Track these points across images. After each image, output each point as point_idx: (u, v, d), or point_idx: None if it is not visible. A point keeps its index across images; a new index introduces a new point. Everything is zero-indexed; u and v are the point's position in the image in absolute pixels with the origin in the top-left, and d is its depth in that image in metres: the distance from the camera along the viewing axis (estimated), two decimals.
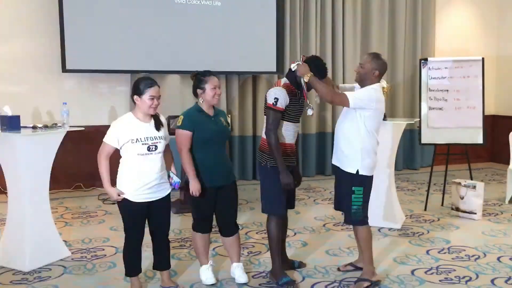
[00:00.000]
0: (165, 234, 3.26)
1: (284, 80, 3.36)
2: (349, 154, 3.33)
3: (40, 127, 3.80)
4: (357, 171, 3.31)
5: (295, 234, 4.56)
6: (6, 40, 5.92)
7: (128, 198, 3.04)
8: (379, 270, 3.60)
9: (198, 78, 3.29)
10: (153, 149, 3.04)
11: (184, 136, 3.23)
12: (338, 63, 7.36)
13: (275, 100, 3.24)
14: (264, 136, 3.36)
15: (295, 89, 3.34)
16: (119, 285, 3.43)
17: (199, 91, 3.28)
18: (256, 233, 4.56)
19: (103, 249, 4.14)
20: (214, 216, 3.42)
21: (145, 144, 3.02)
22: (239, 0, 6.67)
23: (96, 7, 6.02)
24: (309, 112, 3.43)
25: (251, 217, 5.03)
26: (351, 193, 3.33)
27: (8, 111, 3.71)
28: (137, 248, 3.16)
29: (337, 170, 3.49)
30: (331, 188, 6.48)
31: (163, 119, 3.20)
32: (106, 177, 3.02)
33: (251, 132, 7.04)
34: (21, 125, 3.70)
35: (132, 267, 3.19)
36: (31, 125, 3.79)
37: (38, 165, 3.72)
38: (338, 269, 3.69)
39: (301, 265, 3.75)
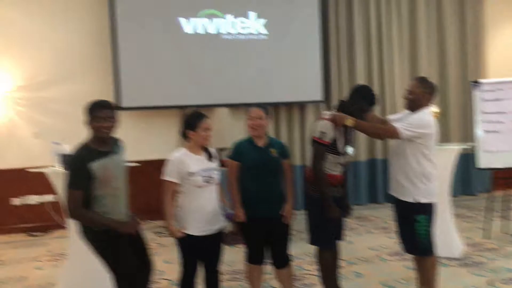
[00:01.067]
0: (217, 266, 3.30)
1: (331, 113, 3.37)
2: (406, 183, 3.28)
3: None
4: (417, 199, 3.26)
5: (349, 264, 4.46)
6: (66, 82, 6.31)
7: (188, 233, 3.10)
8: None
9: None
10: (210, 181, 3.12)
11: (230, 165, 3.33)
12: (386, 88, 7.30)
13: (322, 134, 3.26)
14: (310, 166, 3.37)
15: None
16: None
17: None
18: (309, 264, 4.51)
19: (159, 282, 4.20)
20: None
21: (202, 176, 3.09)
22: (284, 31, 6.80)
23: (148, 47, 6.31)
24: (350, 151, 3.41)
25: (302, 248, 4.96)
26: (414, 222, 3.26)
27: (67, 150, 3.90)
28: (192, 280, 3.20)
29: (395, 201, 3.43)
30: (384, 216, 6.34)
31: (213, 150, 3.29)
32: (171, 216, 3.09)
33: (299, 161, 7.04)
34: None
35: None
36: None
37: None
38: None
39: None
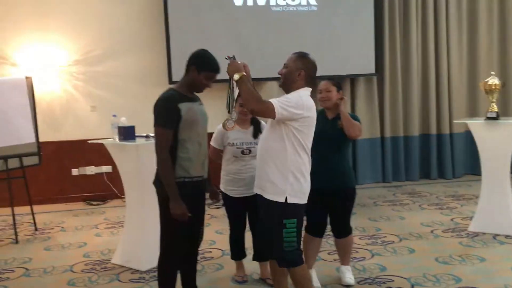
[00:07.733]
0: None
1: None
2: (275, 179, 2.69)
3: (152, 136, 4.05)
4: (286, 199, 2.67)
5: (400, 240, 4.41)
6: (120, 57, 6.45)
7: (227, 194, 3.45)
8: (495, 280, 3.36)
9: None
10: (247, 152, 3.37)
11: None
12: (442, 62, 7.02)
13: None
14: None
15: None
16: (226, 286, 3.57)
17: None
18: (359, 238, 4.48)
19: (211, 251, 4.31)
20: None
21: (239, 148, 3.37)
22: (335, 2, 6.64)
23: (198, 20, 6.33)
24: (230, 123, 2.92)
25: (353, 222, 4.95)
26: (282, 227, 2.67)
27: (124, 122, 4.03)
28: (239, 235, 3.53)
29: (259, 199, 2.82)
30: (437, 192, 6.22)
31: (264, 125, 3.36)
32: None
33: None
34: (136, 134, 3.99)
35: (236, 252, 3.58)
36: (145, 135, 4.06)
37: None
38: None
39: None
